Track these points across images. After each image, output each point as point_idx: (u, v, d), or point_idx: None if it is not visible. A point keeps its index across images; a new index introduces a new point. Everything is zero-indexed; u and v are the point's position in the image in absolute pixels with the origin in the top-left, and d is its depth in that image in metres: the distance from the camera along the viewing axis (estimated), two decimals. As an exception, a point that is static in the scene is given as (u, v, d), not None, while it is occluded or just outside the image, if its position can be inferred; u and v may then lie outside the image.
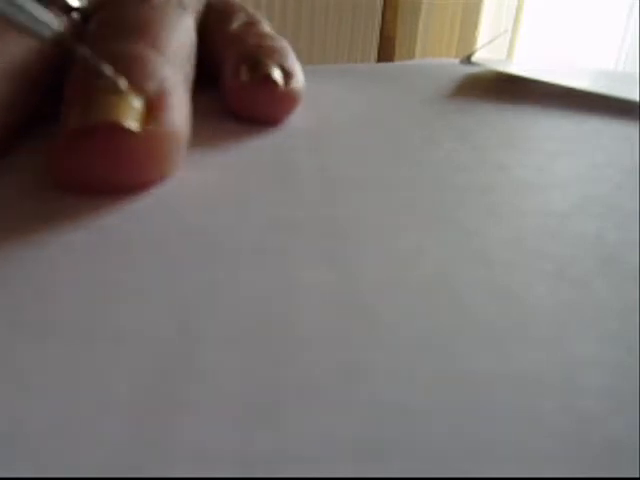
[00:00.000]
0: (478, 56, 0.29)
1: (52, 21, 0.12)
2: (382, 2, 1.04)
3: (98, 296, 0.10)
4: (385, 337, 0.09)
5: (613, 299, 0.11)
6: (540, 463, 0.07)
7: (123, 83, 0.13)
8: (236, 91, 0.18)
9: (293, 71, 0.19)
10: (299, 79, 0.19)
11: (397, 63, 0.31)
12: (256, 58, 0.18)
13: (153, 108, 0.13)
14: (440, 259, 0.11)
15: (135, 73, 0.14)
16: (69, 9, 0.17)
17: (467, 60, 0.28)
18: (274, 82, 0.18)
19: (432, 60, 0.32)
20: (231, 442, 0.07)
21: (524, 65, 0.31)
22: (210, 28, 0.20)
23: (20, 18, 0.12)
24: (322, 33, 1.02)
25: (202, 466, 0.07)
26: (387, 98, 0.23)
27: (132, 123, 0.13)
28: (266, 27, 0.21)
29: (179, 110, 0.14)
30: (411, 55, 1.10)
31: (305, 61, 0.21)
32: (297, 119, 0.19)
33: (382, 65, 0.30)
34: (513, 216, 0.13)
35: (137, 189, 0.13)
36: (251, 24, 0.21)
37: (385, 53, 1.06)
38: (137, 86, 0.13)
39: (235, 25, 0.20)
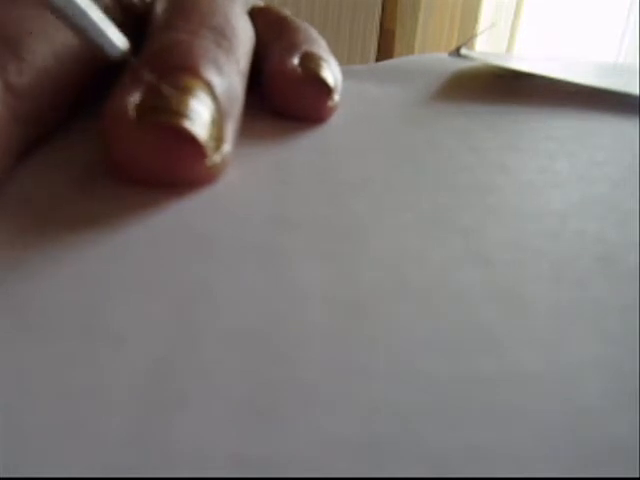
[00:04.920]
0: (473, 49, 0.28)
1: (122, 41, 0.12)
2: (382, -5, 1.04)
3: (98, 294, 0.10)
4: (385, 337, 0.09)
5: (613, 299, 0.11)
6: (540, 463, 0.07)
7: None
8: (282, 82, 0.17)
9: (338, 81, 0.18)
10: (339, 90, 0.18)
11: (395, 60, 0.31)
12: (311, 50, 0.18)
13: (221, 136, 0.13)
14: (440, 259, 0.11)
15: (208, 71, 0.13)
16: (129, 5, 0.17)
17: (456, 53, 0.28)
18: (327, 85, 0.17)
19: (432, 55, 0.32)
20: (231, 442, 0.07)
21: (517, 58, 0.30)
22: (252, 17, 0.19)
23: (93, 35, 0.12)
24: (322, 26, 1.02)
25: (202, 466, 0.07)
26: (387, 98, 0.23)
27: (206, 140, 0.12)
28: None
29: (237, 125, 0.14)
30: (410, 49, 1.10)
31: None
32: (297, 119, 0.19)
33: (381, 64, 0.29)
34: (513, 216, 0.13)
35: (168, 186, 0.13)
36: (294, 21, 0.20)
37: (385, 47, 1.06)
38: (211, 87, 0.13)
39: (281, 15, 0.20)
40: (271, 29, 0.19)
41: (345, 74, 0.26)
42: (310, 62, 0.17)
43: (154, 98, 0.12)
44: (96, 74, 0.16)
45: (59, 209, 0.12)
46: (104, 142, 0.13)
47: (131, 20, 0.17)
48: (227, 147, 0.14)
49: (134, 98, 0.12)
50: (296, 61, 0.17)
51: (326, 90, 0.17)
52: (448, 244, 0.12)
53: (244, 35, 0.16)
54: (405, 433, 0.07)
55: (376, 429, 0.07)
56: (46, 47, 0.14)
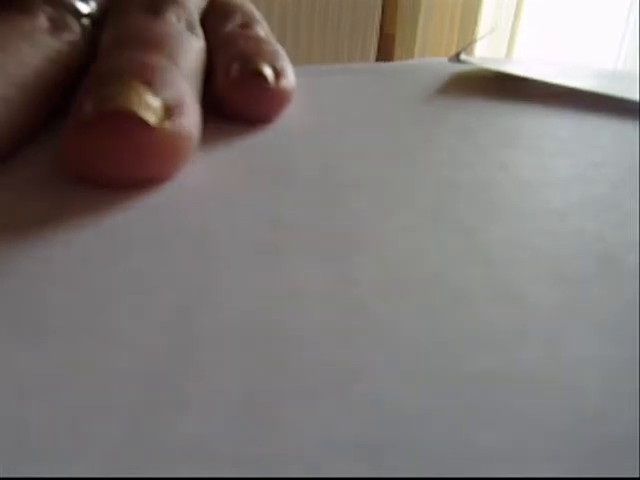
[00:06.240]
0: (473, 54, 0.29)
1: None
2: (382, 0, 1.04)
3: (97, 295, 0.10)
4: (385, 337, 0.09)
5: (612, 298, 0.11)
6: (539, 463, 0.07)
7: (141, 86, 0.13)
8: (226, 89, 0.18)
9: (284, 70, 0.18)
10: (290, 79, 0.19)
11: (396, 62, 0.31)
12: (247, 57, 0.18)
13: (170, 110, 0.13)
14: (439, 258, 0.11)
15: (154, 81, 0.14)
16: (80, 15, 0.17)
17: (456, 58, 0.28)
18: (264, 78, 0.18)
19: (432, 59, 0.32)
20: (231, 442, 0.07)
21: (517, 63, 0.31)
22: (205, 31, 0.20)
23: None
24: (322, 30, 1.02)
25: (202, 466, 0.07)
26: (386, 97, 0.23)
27: (150, 116, 0.13)
28: (262, 30, 0.21)
29: (194, 116, 0.14)
30: (410, 53, 1.10)
31: (304, 59, 0.20)
32: (296, 118, 0.19)
33: (381, 64, 0.30)
34: (512, 215, 0.13)
35: (143, 185, 0.13)
36: (246, 26, 0.20)
37: (385, 51, 1.06)
38: (156, 93, 0.13)
39: (229, 27, 0.20)
40: (215, 37, 0.20)
41: (345, 72, 0.26)
42: (246, 64, 0.18)
43: (98, 93, 0.13)
44: (65, 83, 0.16)
45: (50, 209, 0.12)
46: (63, 155, 0.13)
47: (88, 29, 0.17)
48: (183, 117, 0.13)
49: (84, 105, 0.13)
50: (235, 70, 0.18)
51: (265, 85, 0.18)
52: (448, 242, 0.12)
53: (186, 53, 0.16)
54: (405, 433, 0.07)
55: (376, 429, 0.07)
56: (12, 59, 0.14)
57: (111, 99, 0.12)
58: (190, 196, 0.13)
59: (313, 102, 0.21)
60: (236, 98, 0.18)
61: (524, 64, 0.30)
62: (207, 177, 0.14)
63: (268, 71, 0.18)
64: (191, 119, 0.14)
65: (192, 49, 0.17)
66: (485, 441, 0.07)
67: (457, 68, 0.28)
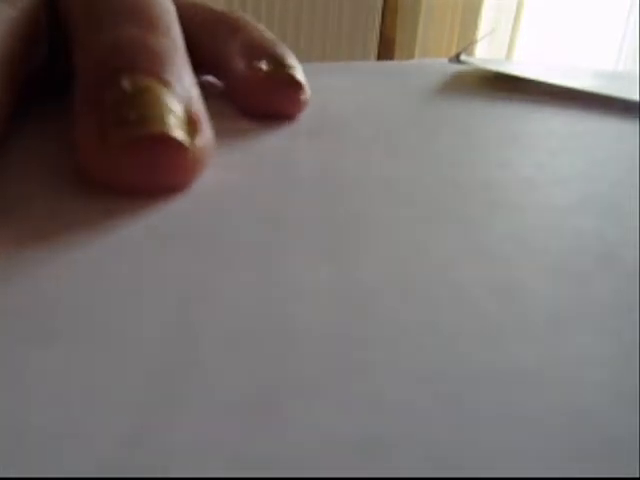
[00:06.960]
0: (473, 55, 0.29)
1: None
2: (382, 3, 1.04)
3: (98, 295, 0.10)
4: (385, 335, 0.09)
5: (613, 296, 0.11)
6: (539, 462, 0.07)
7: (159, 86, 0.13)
8: (255, 83, 0.18)
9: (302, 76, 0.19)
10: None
11: (397, 62, 0.31)
12: (277, 53, 0.18)
13: (191, 116, 0.13)
14: (440, 255, 0.11)
15: (170, 81, 0.13)
16: None
17: (456, 59, 0.28)
18: (299, 84, 0.18)
19: (432, 59, 0.33)
20: (231, 442, 0.07)
21: (517, 64, 0.31)
22: (183, 12, 0.19)
23: None
24: (322, 34, 1.02)
25: (202, 466, 0.07)
26: (387, 95, 0.23)
27: (183, 136, 0.13)
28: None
29: (207, 115, 0.14)
30: (411, 56, 1.10)
31: (304, 62, 0.21)
32: (297, 117, 0.19)
33: (381, 63, 0.30)
34: (513, 212, 0.13)
35: (163, 192, 0.13)
36: (232, 13, 0.20)
37: (385, 54, 1.07)
38: (171, 88, 0.13)
39: (218, 11, 0.20)
40: (217, 26, 0.20)
41: (345, 71, 0.26)
42: (277, 63, 0.18)
43: (122, 110, 0.12)
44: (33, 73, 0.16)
45: (51, 212, 0.12)
46: (82, 166, 0.13)
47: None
48: (204, 132, 0.13)
49: (103, 117, 0.12)
50: (264, 65, 0.18)
51: (299, 89, 0.18)
52: (448, 240, 0.12)
53: (174, 23, 0.16)
54: (405, 432, 0.07)
55: (376, 429, 0.07)
56: None
57: (147, 123, 0.12)
58: (191, 196, 0.13)
59: (314, 101, 0.21)
60: (263, 94, 0.18)
61: (524, 65, 0.30)
62: (207, 176, 0.14)
63: (301, 76, 0.18)
64: (209, 129, 0.14)
65: (172, 12, 0.16)
66: (485, 440, 0.07)
67: (457, 68, 0.29)
